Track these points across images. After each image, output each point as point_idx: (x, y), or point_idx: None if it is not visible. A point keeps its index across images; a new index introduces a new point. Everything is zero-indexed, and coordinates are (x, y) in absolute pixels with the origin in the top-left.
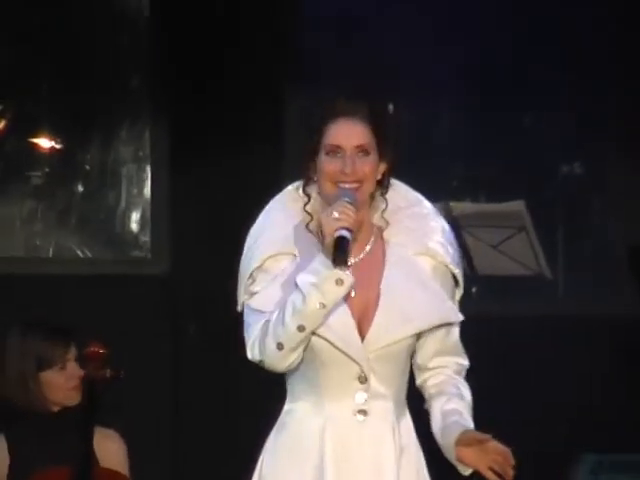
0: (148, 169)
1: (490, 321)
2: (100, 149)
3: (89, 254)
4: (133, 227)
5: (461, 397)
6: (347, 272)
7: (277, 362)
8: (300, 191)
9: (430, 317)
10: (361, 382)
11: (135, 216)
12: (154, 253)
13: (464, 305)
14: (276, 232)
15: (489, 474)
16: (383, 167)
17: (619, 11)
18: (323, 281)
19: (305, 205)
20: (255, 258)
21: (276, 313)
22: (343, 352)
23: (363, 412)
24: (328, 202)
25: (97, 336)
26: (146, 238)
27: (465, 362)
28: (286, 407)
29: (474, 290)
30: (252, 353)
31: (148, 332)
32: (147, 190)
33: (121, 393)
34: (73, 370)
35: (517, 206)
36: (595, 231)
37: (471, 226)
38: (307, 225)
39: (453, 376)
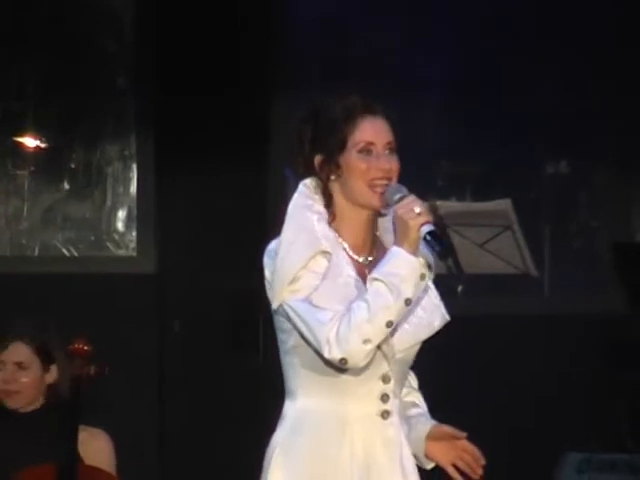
0: (134, 168)
1: (476, 319)
2: (86, 148)
3: (75, 253)
4: (119, 226)
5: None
6: (428, 267)
7: (363, 358)
8: (313, 189)
9: (440, 317)
10: (385, 382)
11: (121, 215)
12: (140, 252)
13: (451, 303)
14: (314, 233)
15: (450, 469)
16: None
17: (604, 12)
18: (410, 276)
19: (327, 205)
20: (300, 258)
21: (356, 310)
22: (381, 350)
23: (387, 412)
24: (356, 200)
25: (82, 333)
26: (132, 237)
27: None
28: (295, 406)
29: (460, 289)
30: (330, 352)
31: (134, 330)
32: (133, 189)
33: (107, 391)
34: (8, 373)
35: (503, 205)
36: (581, 230)
37: (457, 225)
38: (330, 224)
39: (415, 388)
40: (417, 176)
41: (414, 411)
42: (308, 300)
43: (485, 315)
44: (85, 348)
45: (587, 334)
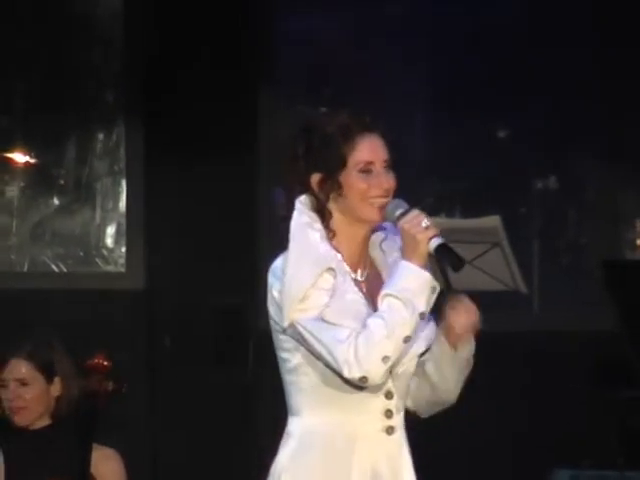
0: (123, 183)
1: None
2: (75, 163)
3: (64, 269)
4: (108, 242)
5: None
6: (436, 279)
7: (382, 375)
8: (308, 206)
9: (433, 329)
10: (388, 398)
11: (110, 230)
12: (129, 267)
13: (439, 320)
14: (318, 250)
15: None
16: None
17: (594, 26)
18: (423, 290)
19: (327, 224)
20: (308, 276)
21: (375, 327)
22: None
23: (391, 428)
24: (357, 217)
25: (110, 350)
26: (121, 252)
27: None
28: (301, 424)
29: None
30: (350, 372)
31: (124, 346)
32: (122, 204)
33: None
34: (10, 391)
35: (492, 221)
36: (570, 246)
37: (447, 241)
38: (329, 241)
39: None
40: (406, 193)
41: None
42: (320, 318)
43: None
44: (105, 364)
45: (576, 351)
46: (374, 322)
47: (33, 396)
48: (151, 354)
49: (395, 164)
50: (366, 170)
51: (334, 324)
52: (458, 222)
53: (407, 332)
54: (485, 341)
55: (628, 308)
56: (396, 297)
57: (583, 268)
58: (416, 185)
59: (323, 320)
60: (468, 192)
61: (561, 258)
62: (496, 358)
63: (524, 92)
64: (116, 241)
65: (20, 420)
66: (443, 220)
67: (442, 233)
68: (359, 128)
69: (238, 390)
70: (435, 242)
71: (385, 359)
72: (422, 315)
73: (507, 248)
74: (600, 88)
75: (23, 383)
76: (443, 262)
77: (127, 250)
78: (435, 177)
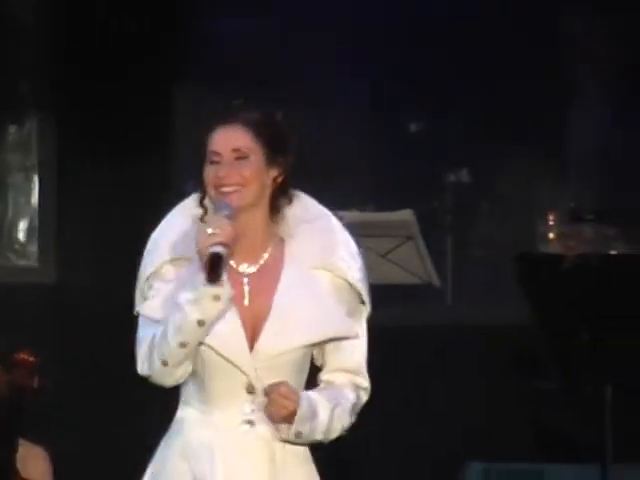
0: (35, 178)
1: (379, 330)
2: None
3: None
4: (20, 236)
5: (335, 392)
6: (224, 287)
7: (164, 378)
8: (197, 199)
9: (320, 331)
10: (249, 392)
11: (22, 225)
12: (41, 262)
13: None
14: (174, 237)
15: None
16: (275, 172)
17: (506, 15)
18: (200, 298)
19: (202, 217)
20: (152, 263)
21: (161, 329)
22: (229, 361)
23: (250, 422)
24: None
25: (22, 344)
26: (33, 247)
27: (365, 383)
28: (178, 414)
29: None
30: (142, 368)
31: (35, 341)
32: (34, 199)
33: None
34: None
35: (405, 215)
36: (483, 239)
37: (359, 235)
38: None
39: (339, 384)
40: (320, 187)
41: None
42: (143, 311)
43: (388, 325)
44: (29, 359)
45: (489, 344)
46: (165, 324)
47: None
48: (60, 348)
49: (310, 159)
50: (213, 161)
51: (147, 318)
52: (371, 216)
53: (182, 338)
54: (398, 334)
55: (540, 301)
56: (176, 302)
57: (496, 261)
58: (329, 179)
59: (142, 313)
60: (380, 185)
61: (474, 251)
62: (409, 351)
63: (437, 86)
64: (28, 235)
65: None
66: (356, 214)
67: (355, 226)
68: (217, 122)
69: (156, 389)
70: (210, 250)
71: (164, 363)
72: (201, 322)
73: (420, 241)
74: (511, 82)
75: None
76: (207, 273)
77: (39, 244)
78: (347, 171)
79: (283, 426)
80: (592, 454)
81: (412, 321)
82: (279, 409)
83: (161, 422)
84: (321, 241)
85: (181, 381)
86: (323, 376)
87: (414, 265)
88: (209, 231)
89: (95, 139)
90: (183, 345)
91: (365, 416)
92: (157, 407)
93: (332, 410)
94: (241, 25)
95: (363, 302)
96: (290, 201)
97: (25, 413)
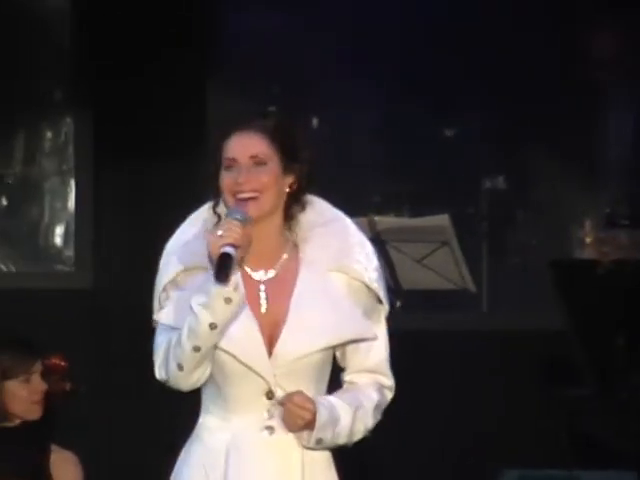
0: (72, 183)
1: (415, 335)
2: (23, 163)
3: (13, 268)
4: (57, 241)
5: (358, 393)
6: (236, 290)
7: (180, 382)
8: (212, 207)
9: (337, 334)
10: (268, 398)
11: (59, 230)
12: (78, 267)
13: (388, 319)
14: (190, 247)
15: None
16: (290, 179)
17: (537, 24)
18: (211, 301)
19: (216, 223)
20: (168, 272)
21: (177, 334)
22: (249, 367)
23: (270, 428)
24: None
25: (59, 349)
26: (70, 252)
27: (388, 382)
28: (199, 420)
29: (398, 304)
30: (159, 373)
31: (72, 346)
32: (71, 204)
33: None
34: (37, 384)
35: (441, 220)
36: (519, 246)
37: (395, 240)
38: None
39: (362, 385)
40: (355, 192)
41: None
42: (160, 318)
43: (423, 331)
44: (62, 364)
45: (525, 350)
46: (182, 328)
47: (44, 392)
48: (98, 354)
49: (344, 164)
50: (228, 166)
51: (166, 325)
52: (407, 221)
53: (196, 342)
54: (434, 340)
55: (576, 307)
56: (190, 306)
57: (531, 267)
58: (365, 184)
59: (161, 323)
60: (417, 191)
61: (510, 257)
62: (444, 357)
63: (473, 92)
64: (65, 240)
65: (38, 413)
66: (392, 219)
67: (391, 232)
68: (233, 128)
69: (189, 394)
70: (220, 251)
71: (180, 367)
72: (213, 326)
73: (456, 247)
74: (549, 88)
75: (43, 376)
76: (216, 273)
77: (76, 249)
78: (383, 176)
79: (304, 434)
80: (629, 461)
81: (447, 326)
82: (295, 419)
83: (192, 426)
84: (336, 244)
85: (198, 385)
86: (346, 377)
87: (449, 271)
88: (219, 233)
89: (131, 143)
90: (197, 349)
91: (399, 421)
92: (190, 411)
93: (354, 413)
94: (273, 22)
95: (380, 302)
96: (304, 208)
97: (57, 417)
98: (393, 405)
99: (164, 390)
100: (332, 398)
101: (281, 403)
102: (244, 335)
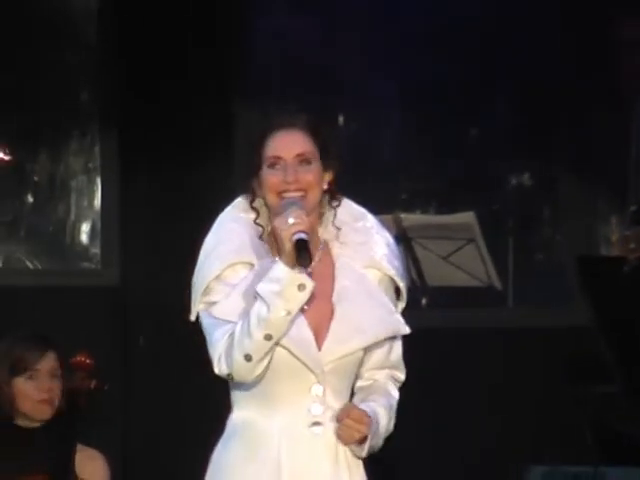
0: (98, 181)
1: (440, 332)
2: (50, 161)
3: (39, 266)
4: (83, 239)
5: (385, 405)
6: (308, 276)
7: (246, 374)
8: (244, 203)
9: (381, 329)
10: (315, 393)
11: (85, 228)
12: (104, 265)
13: (414, 316)
14: (233, 242)
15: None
16: (328, 176)
17: (563, 22)
18: (286, 287)
19: (255, 219)
20: (213, 268)
21: (240, 325)
22: (302, 362)
23: (318, 424)
24: (275, 214)
25: (84, 347)
26: (96, 250)
27: (402, 376)
28: (234, 416)
29: (424, 301)
30: (219, 368)
31: (98, 344)
32: (97, 202)
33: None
34: (44, 382)
35: (467, 217)
36: (544, 242)
37: (421, 237)
38: (260, 236)
39: (386, 383)
40: (381, 190)
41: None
42: (214, 313)
43: (449, 327)
44: (88, 362)
45: (550, 347)
46: (243, 320)
47: (59, 390)
48: (126, 351)
49: (370, 162)
50: (273, 164)
51: (222, 320)
52: (433, 218)
53: (268, 330)
54: (459, 336)
55: (602, 304)
56: (259, 295)
57: (557, 264)
58: (391, 182)
59: (213, 316)
60: (442, 188)
61: (535, 254)
62: (470, 354)
63: (497, 90)
64: (91, 238)
65: (46, 414)
66: (418, 216)
67: (417, 229)
68: (273, 127)
69: (216, 391)
70: (295, 237)
71: (247, 357)
72: (287, 312)
73: (481, 244)
74: (572, 85)
75: (54, 375)
76: (297, 259)
77: (102, 247)
78: (409, 174)
79: (354, 447)
80: None
81: (473, 323)
82: (353, 433)
83: (223, 424)
84: (365, 241)
85: (262, 376)
86: (365, 372)
87: (475, 268)
88: (290, 221)
89: (157, 141)
90: (268, 337)
91: (426, 417)
92: (219, 408)
93: (389, 417)
94: (297, 25)
95: (399, 297)
96: (339, 204)
97: (82, 415)
98: (418, 402)
99: (193, 387)
100: (373, 405)
101: (338, 419)
102: (296, 331)
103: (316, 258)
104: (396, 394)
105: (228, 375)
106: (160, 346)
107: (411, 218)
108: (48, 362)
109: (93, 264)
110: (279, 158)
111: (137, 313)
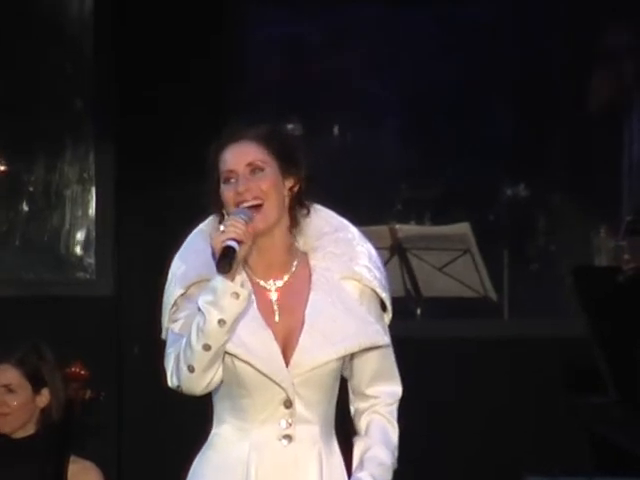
0: (93, 190)
1: (435, 342)
2: (44, 170)
3: (33, 275)
4: (77, 249)
5: (386, 443)
6: (241, 285)
7: (192, 385)
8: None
9: (354, 341)
10: (286, 407)
11: (79, 237)
12: (98, 275)
13: (410, 327)
14: (199, 259)
15: None
16: (289, 183)
17: (559, 36)
18: (220, 297)
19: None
20: (179, 285)
21: (185, 337)
22: (268, 377)
23: (288, 437)
24: None
25: (79, 357)
26: (90, 260)
27: (399, 389)
28: (213, 431)
29: (419, 312)
30: (171, 381)
31: (93, 353)
32: (92, 211)
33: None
34: (0, 396)
35: (462, 228)
36: (539, 253)
37: (416, 248)
38: None
39: (385, 415)
40: (376, 200)
41: (365, 454)
42: (175, 329)
43: (444, 338)
44: (82, 372)
45: (546, 358)
46: (189, 332)
47: (19, 404)
48: (120, 361)
49: (365, 172)
50: (227, 179)
51: (178, 335)
52: (428, 229)
53: (204, 341)
54: (454, 347)
55: (596, 315)
56: (198, 305)
57: (552, 275)
58: (386, 192)
59: (173, 332)
60: (438, 199)
61: (531, 265)
62: (465, 364)
63: (493, 99)
64: (85, 248)
65: (2, 427)
66: (413, 227)
67: (412, 240)
68: (224, 142)
69: (210, 401)
70: (223, 244)
71: (190, 368)
72: (222, 322)
73: (477, 255)
74: (568, 95)
75: (9, 390)
76: (216, 265)
77: (96, 257)
78: (404, 184)
79: None
80: None
81: (468, 334)
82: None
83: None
84: (345, 251)
85: (211, 388)
86: (366, 390)
87: (470, 278)
88: (222, 229)
89: (152, 151)
90: (207, 347)
91: (419, 428)
92: (213, 419)
93: (393, 453)
94: (300, 37)
95: (384, 309)
96: (308, 212)
97: (76, 426)
98: (413, 410)
99: (187, 400)
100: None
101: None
102: (261, 345)
103: (290, 270)
104: (395, 437)
105: (178, 387)
106: (154, 356)
107: (406, 229)
108: (2, 376)
109: (87, 274)
110: (231, 171)
111: (131, 323)
